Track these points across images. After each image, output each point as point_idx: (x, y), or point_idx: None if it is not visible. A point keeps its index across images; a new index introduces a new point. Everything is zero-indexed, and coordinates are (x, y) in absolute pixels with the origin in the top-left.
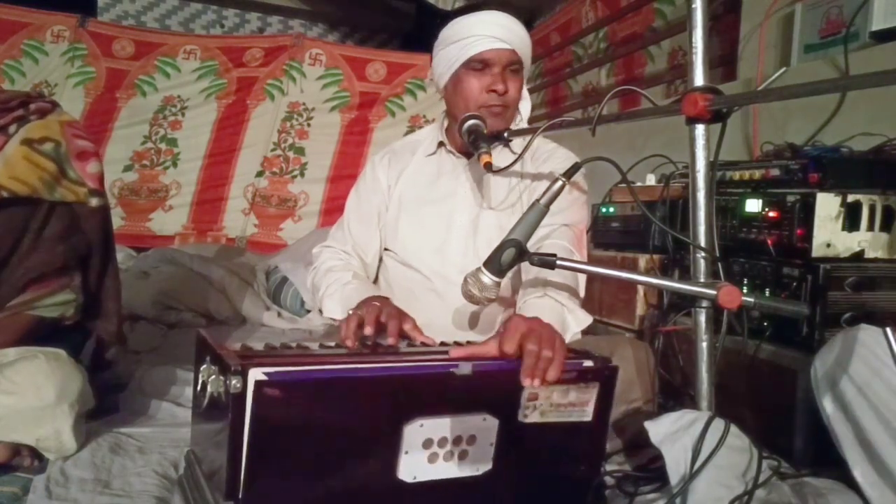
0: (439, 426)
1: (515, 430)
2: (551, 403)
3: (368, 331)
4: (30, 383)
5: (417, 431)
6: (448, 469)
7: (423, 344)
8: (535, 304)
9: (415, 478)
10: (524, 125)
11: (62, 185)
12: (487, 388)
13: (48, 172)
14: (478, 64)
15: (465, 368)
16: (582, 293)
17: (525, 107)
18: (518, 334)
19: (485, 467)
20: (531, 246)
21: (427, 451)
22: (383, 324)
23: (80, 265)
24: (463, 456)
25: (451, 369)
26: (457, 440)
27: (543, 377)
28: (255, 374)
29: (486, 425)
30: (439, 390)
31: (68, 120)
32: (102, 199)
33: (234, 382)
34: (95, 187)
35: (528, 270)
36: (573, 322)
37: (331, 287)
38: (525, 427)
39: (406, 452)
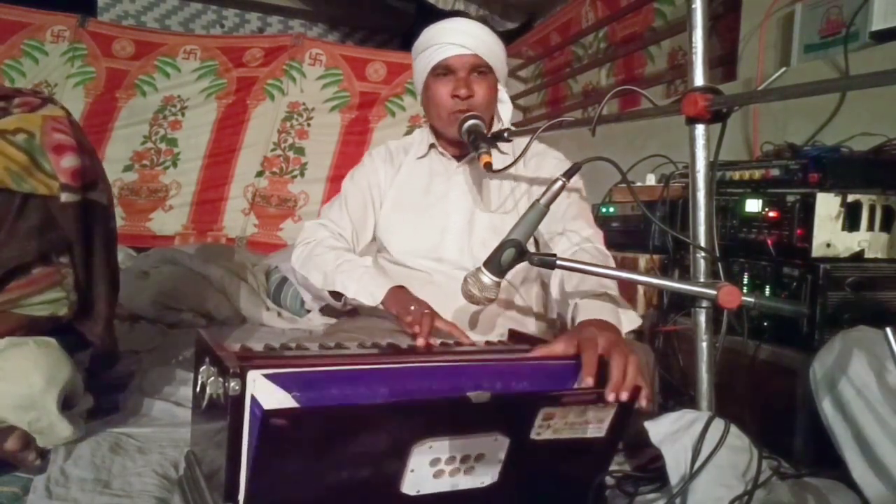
0: (448, 446)
1: (526, 446)
2: (566, 422)
3: (421, 342)
4: (18, 370)
5: (426, 452)
6: (452, 483)
7: (444, 344)
8: (591, 303)
9: (418, 491)
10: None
11: (34, 177)
12: (503, 410)
13: (16, 162)
14: (442, 70)
15: (483, 396)
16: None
17: (506, 110)
18: (597, 345)
19: (490, 480)
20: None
21: (434, 468)
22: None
23: (71, 262)
24: (469, 471)
25: (467, 394)
26: (465, 458)
27: (630, 392)
28: (254, 375)
29: (496, 444)
30: (452, 414)
31: (54, 115)
32: (75, 195)
33: (233, 385)
34: (67, 182)
35: (571, 278)
36: (626, 321)
37: (347, 264)
38: (535, 443)
39: (412, 471)
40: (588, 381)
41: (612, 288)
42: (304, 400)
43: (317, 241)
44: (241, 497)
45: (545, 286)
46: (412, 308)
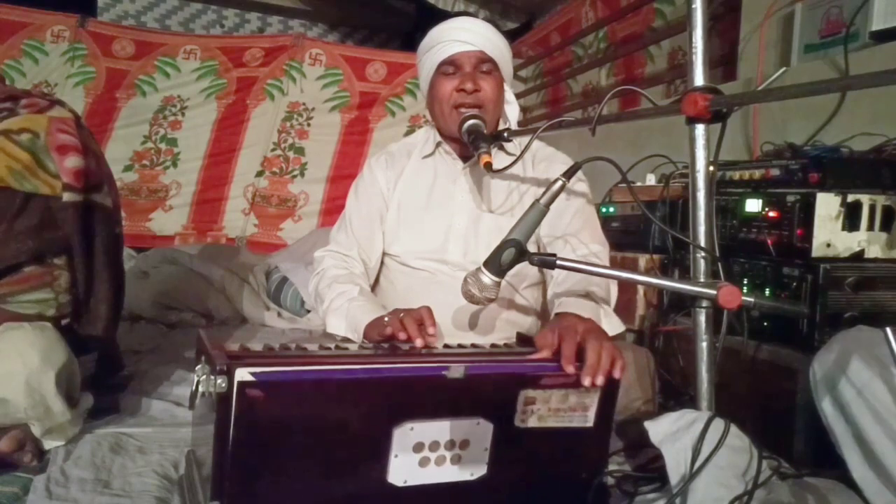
0: (430, 430)
1: (512, 434)
2: (550, 408)
3: (419, 343)
4: (13, 350)
5: (407, 435)
6: (440, 473)
7: (447, 346)
8: (574, 302)
9: (405, 482)
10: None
11: (37, 177)
12: (481, 391)
13: (19, 162)
14: (448, 67)
15: (457, 371)
16: (612, 302)
17: (513, 111)
18: (576, 335)
19: (479, 472)
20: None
21: (418, 454)
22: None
23: (68, 264)
24: (456, 460)
25: (442, 372)
26: (449, 444)
27: (606, 375)
28: (242, 374)
29: (479, 429)
30: (430, 393)
31: (61, 116)
32: (78, 195)
33: (220, 382)
34: (70, 182)
35: (565, 281)
36: (607, 325)
37: (335, 301)
38: (523, 432)
39: (396, 456)
40: (569, 369)
41: (600, 290)
42: None
43: (322, 272)
44: (226, 496)
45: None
46: (386, 324)
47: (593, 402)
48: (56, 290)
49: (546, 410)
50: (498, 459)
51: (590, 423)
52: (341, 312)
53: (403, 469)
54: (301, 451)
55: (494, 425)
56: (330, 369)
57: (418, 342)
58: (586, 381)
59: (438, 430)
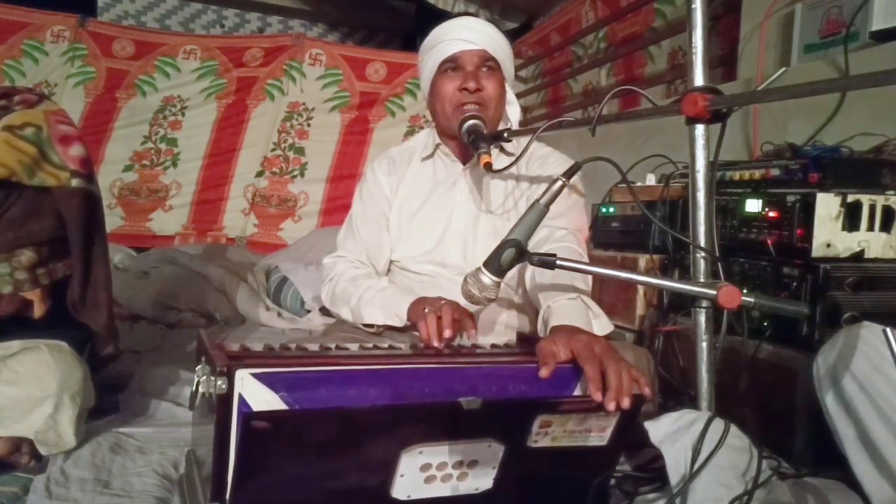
0: (439, 452)
1: (522, 453)
2: (565, 430)
3: (448, 334)
4: (32, 374)
5: (416, 457)
6: (444, 489)
7: (475, 346)
8: (565, 306)
9: (409, 496)
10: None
11: (43, 170)
12: (495, 416)
13: (28, 155)
14: (450, 65)
15: (475, 402)
16: (589, 287)
17: (514, 111)
18: (596, 357)
19: (485, 487)
20: (531, 248)
21: (424, 473)
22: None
23: (35, 247)
24: (462, 477)
25: (458, 399)
26: (457, 464)
27: (630, 396)
28: (242, 374)
29: (490, 451)
30: (443, 421)
31: (53, 109)
32: (84, 182)
33: (220, 383)
34: (77, 169)
35: (543, 272)
36: (598, 327)
37: (367, 293)
38: (533, 451)
39: (402, 476)
40: (598, 396)
41: (585, 283)
42: (290, 400)
43: (337, 275)
44: (227, 497)
45: None
46: (426, 312)
47: (611, 423)
48: (14, 266)
49: (561, 432)
50: (505, 475)
51: (604, 442)
52: (376, 302)
53: (408, 486)
54: (297, 457)
55: (505, 446)
56: (331, 370)
57: (434, 343)
58: (611, 406)
59: (448, 452)
